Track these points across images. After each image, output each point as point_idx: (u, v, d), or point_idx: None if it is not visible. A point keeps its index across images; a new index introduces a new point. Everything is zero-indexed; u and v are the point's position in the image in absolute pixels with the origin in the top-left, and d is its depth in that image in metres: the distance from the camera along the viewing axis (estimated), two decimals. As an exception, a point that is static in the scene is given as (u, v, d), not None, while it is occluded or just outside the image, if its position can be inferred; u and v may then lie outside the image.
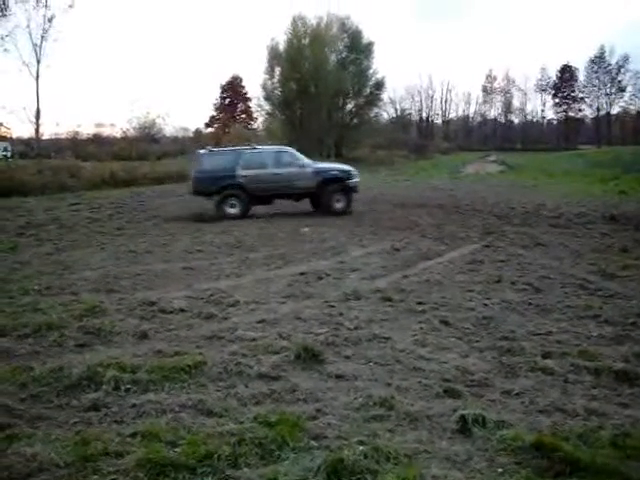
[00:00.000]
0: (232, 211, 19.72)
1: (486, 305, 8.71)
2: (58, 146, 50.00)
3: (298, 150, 22.18)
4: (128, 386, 5.42)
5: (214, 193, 19.78)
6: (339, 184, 20.54)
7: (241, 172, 19.77)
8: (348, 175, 20.71)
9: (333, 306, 8.51)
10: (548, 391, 5.65)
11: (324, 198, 20.46)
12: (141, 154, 46.02)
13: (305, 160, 20.98)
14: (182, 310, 8.14)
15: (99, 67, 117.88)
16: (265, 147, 22.62)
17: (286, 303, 8.72)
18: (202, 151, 21.05)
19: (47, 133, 52.72)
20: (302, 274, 10.67)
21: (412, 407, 5.14)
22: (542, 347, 6.89)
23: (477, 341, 7.15)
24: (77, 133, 59.00)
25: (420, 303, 8.76)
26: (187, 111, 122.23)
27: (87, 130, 61.39)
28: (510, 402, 5.39)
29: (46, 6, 41.72)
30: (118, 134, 61.85)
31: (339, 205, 20.43)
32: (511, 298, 9.13)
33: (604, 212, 20.78)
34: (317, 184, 20.33)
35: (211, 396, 5.29)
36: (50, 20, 41.99)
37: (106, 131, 63.73)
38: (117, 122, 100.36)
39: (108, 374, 5.56)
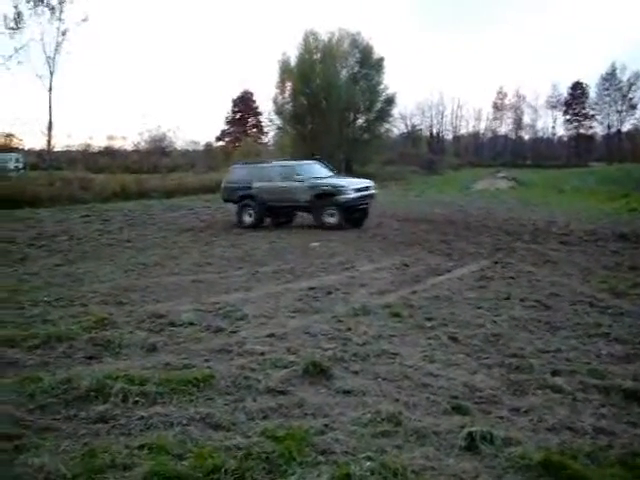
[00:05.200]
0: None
1: (495, 322, 8.68)
2: (70, 158, 50.23)
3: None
4: (136, 398, 5.41)
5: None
6: (330, 198, 20.71)
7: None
8: (338, 190, 20.75)
9: (342, 321, 8.49)
10: (556, 409, 5.61)
11: (314, 212, 21.01)
12: (152, 167, 46.17)
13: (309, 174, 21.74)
14: (191, 323, 8.14)
15: (111, 80, 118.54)
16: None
17: (295, 317, 8.71)
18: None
19: (59, 145, 52.98)
20: (311, 289, 10.67)
21: (420, 423, 5.12)
22: (551, 365, 6.86)
23: (485, 358, 7.12)
24: (89, 145, 59.37)
25: (429, 319, 8.75)
26: (198, 125, 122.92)
27: (99, 142, 61.90)
28: (518, 419, 5.36)
29: (60, 19, 41.94)
30: (129, 147, 62.23)
31: (331, 219, 20.64)
32: (520, 315, 9.10)
33: (614, 229, 20.71)
34: (312, 198, 20.78)
35: (219, 410, 5.29)
36: (64, 33, 42.21)
37: (118, 144, 64.14)
38: (129, 135, 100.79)
39: (116, 386, 5.56)
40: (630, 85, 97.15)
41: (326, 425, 5.05)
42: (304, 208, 21.44)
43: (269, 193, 21.25)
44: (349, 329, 8.07)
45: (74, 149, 57.98)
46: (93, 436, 4.77)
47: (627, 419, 5.46)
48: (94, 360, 6.65)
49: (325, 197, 20.68)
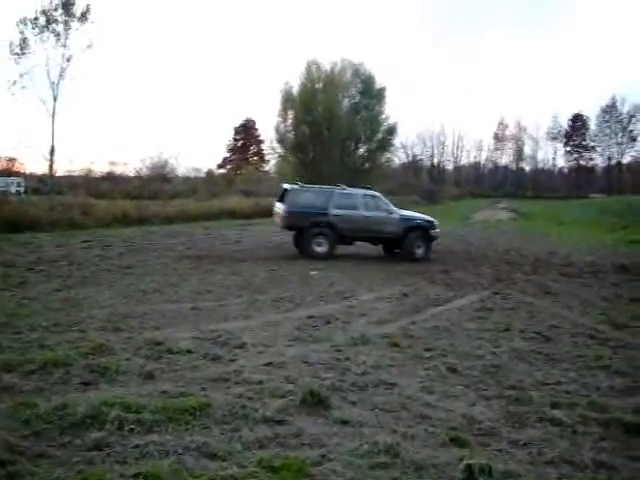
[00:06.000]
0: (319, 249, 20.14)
1: (494, 353, 8.66)
2: (71, 183, 50.33)
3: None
4: (132, 426, 5.38)
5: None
6: (421, 232, 20.83)
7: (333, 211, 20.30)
8: (431, 224, 21.13)
9: (340, 350, 8.46)
10: (556, 442, 5.58)
11: (407, 244, 20.65)
12: (153, 193, 46.23)
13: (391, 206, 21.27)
14: (189, 351, 8.09)
15: (114, 106, 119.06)
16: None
17: (293, 346, 8.67)
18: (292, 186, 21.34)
19: (61, 170, 52.98)
20: (310, 317, 10.63)
21: (418, 455, 5.08)
22: (551, 397, 6.83)
23: (485, 390, 7.09)
24: (90, 171, 59.41)
25: (428, 349, 8.73)
26: (200, 152, 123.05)
27: (100, 168, 61.95)
28: (517, 452, 5.32)
29: (65, 46, 42.38)
30: (131, 173, 62.38)
31: (419, 251, 20.65)
32: (520, 347, 9.08)
33: (614, 261, 20.76)
34: (402, 231, 20.55)
35: (215, 439, 5.25)
36: (68, 59, 42.65)
37: (119, 169, 64.28)
38: (130, 161, 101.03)
39: (112, 413, 5.52)
40: (630, 117, 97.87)
41: (323, 456, 5.01)
42: (386, 240, 21.19)
43: (350, 222, 20.14)
44: (348, 359, 8.05)
45: (75, 174, 58.08)
46: (87, 464, 4.73)
47: (627, 453, 5.44)
48: (90, 386, 6.60)
49: (417, 230, 20.75)
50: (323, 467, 4.79)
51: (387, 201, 21.41)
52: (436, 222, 21.32)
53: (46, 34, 41.90)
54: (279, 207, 20.89)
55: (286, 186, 21.38)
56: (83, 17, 42.77)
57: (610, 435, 5.83)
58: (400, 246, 20.91)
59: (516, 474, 4.81)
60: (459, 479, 4.72)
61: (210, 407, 5.95)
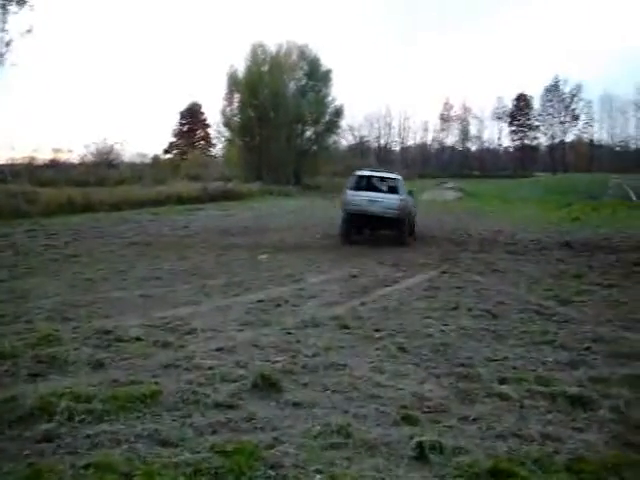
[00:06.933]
0: None
1: (443, 331, 8.75)
2: (14, 171, 49.32)
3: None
4: (82, 416, 5.31)
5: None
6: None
7: None
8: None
9: (291, 333, 8.47)
10: (504, 417, 5.68)
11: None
12: (99, 180, 45.50)
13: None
14: (138, 338, 8.00)
15: (56, 92, 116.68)
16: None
17: (244, 331, 8.65)
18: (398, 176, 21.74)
19: (2, 157, 51.86)
20: (260, 301, 10.61)
21: (369, 434, 5.13)
22: (498, 373, 6.94)
23: (434, 367, 7.17)
24: (33, 158, 58.19)
25: (377, 330, 8.78)
26: (145, 137, 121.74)
27: (44, 155, 60.59)
28: (467, 428, 5.40)
29: (3, 30, 41.29)
30: (75, 160, 61.20)
31: None
32: (468, 324, 9.20)
33: (559, 238, 21.24)
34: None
35: (167, 426, 5.22)
36: (8, 44, 41.56)
37: (63, 156, 63.01)
38: (75, 147, 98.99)
39: (62, 404, 5.44)
40: (572, 97, 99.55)
41: (275, 439, 5.03)
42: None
43: (409, 207, 20.77)
44: (298, 341, 8.07)
45: (18, 162, 56.84)
46: (38, 456, 4.66)
47: (573, 425, 5.56)
48: (39, 378, 6.49)
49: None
50: (276, 450, 4.80)
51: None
52: None
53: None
54: (383, 196, 20.27)
55: (395, 176, 21.57)
56: (21, 0, 41.69)
57: (556, 408, 5.96)
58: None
59: (466, 449, 4.89)
60: (410, 457, 4.78)
61: (161, 394, 5.91)
